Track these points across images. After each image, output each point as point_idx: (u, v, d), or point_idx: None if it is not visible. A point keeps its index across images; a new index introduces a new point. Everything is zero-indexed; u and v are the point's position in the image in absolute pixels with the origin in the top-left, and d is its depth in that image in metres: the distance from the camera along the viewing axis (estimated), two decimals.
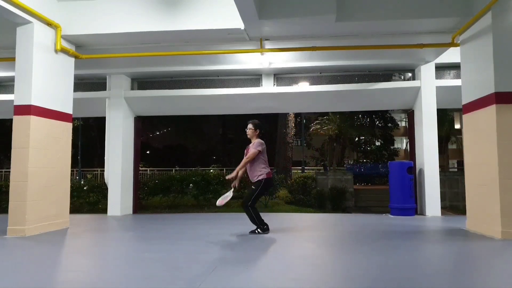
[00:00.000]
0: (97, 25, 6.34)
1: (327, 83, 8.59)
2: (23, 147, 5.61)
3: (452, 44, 6.24)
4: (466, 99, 5.90)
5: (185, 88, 8.77)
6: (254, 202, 5.45)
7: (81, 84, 8.92)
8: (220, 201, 5.56)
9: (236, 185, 5.65)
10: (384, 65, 8.21)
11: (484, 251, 4.48)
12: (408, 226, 6.38)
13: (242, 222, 6.31)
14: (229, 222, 7.18)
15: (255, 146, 5.46)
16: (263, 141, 5.54)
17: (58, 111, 6.24)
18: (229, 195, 5.60)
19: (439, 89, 7.95)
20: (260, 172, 5.43)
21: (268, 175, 5.46)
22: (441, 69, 8.18)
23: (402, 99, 8.71)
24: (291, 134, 19.09)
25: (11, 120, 5.94)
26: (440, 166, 8.14)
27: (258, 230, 5.50)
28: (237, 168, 5.54)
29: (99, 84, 9.06)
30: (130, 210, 8.97)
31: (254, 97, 8.73)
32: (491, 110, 5.20)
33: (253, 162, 5.44)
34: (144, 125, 12.24)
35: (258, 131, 5.60)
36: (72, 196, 8.09)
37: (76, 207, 10.78)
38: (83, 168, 22.24)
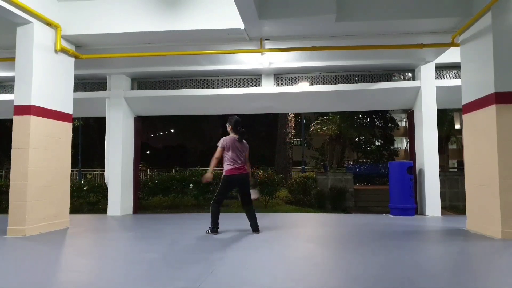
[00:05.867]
0: (97, 25, 6.34)
1: (327, 83, 8.58)
2: (23, 147, 5.60)
3: (452, 44, 6.24)
4: (466, 99, 5.90)
5: (185, 88, 8.77)
6: (217, 198, 5.52)
7: (81, 84, 8.92)
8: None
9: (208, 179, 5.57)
10: (384, 65, 8.21)
11: (484, 251, 4.48)
12: (408, 226, 6.38)
13: (242, 223, 6.30)
14: (229, 222, 7.16)
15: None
16: (227, 138, 5.52)
17: (58, 111, 6.24)
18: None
19: (439, 89, 7.95)
20: (224, 168, 5.51)
21: (227, 172, 5.45)
22: (441, 69, 8.19)
23: (402, 99, 8.71)
24: (291, 134, 19.10)
25: (11, 120, 5.94)
26: (440, 166, 8.14)
27: (209, 230, 5.54)
28: (211, 167, 5.53)
29: (99, 84, 9.06)
30: (130, 210, 8.97)
31: (254, 97, 8.73)
32: (491, 110, 5.20)
33: (224, 158, 5.52)
34: (144, 125, 12.23)
35: (230, 126, 5.61)
36: (72, 196, 8.10)
37: (76, 207, 10.78)
38: (83, 168, 22.23)
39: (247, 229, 5.80)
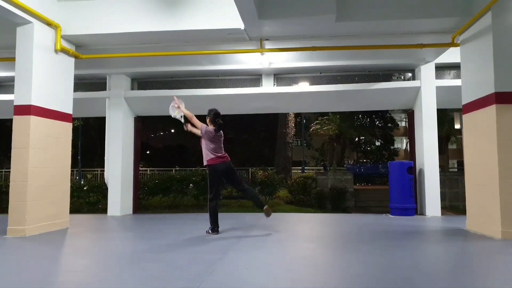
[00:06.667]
0: (97, 25, 6.34)
1: (327, 83, 8.58)
2: (23, 147, 5.60)
3: (452, 44, 6.24)
4: (466, 99, 5.91)
5: (185, 88, 8.77)
6: (211, 195, 5.49)
7: (81, 84, 8.92)
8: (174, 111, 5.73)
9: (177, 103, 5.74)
10: (384, 65, 8.21)
11: (484, 251, 4.48)
12: (408, 226, 6.38)
13: (242, 222, 6.32)
14: (229, 222, 7.16)
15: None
16: (210, 129, 5.51)
17: (58, 111, 6.24)
18: (176, 113, 5.74)
19: (439, 89, 7.94)
20: (205, 157, 5.53)
21: (210, 161, 5.48)
22: (441, 69, 8.18)
23: (402, 99, 8.71)
24: (291, 134, 19.09)
25: (11, 120, 5.94)
26: (440, 166, 8.14)
27: (209, 230, 5.53)
28: (186, 111, 5.69)
29: (99, 84, 9.06)
30: (130, 210, 8.97)
31: (254, 97, 8.73)
32: (491, 110, 5.20)
33: (203, 148, 5.57)
34: (144, 125, 12.23)
35: (209, 118, 5.64)
36: (72, 196, 8.09)
37: (76, 207, 10.77)
38: (83, 168, 22.24)
39: (247, 229, 5.80)
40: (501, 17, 5.14)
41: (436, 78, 8.01)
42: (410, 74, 8.51)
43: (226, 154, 5.61)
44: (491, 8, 5.13)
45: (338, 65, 8.06)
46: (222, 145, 5.63)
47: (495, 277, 3.43)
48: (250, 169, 17.37)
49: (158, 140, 36.95)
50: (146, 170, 20.42)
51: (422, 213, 7.89)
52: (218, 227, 5.56)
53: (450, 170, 26.99)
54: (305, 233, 5.97)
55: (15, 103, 5.72)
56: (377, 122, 26.24)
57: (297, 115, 23.12)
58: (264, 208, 5.54)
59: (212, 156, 5.48)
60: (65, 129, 6.44)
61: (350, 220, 7.95)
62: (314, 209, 13.26)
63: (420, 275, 3.42)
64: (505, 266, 3.79)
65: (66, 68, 6.51)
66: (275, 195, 12.76)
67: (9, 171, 5.92)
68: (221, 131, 5.64)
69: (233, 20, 5.96)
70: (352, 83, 8.49)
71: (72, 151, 6.72)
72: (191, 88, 8.75)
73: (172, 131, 36.13)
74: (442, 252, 4.56)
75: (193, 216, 8.44)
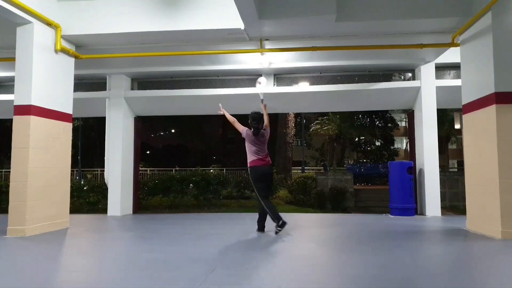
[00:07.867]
0: (97, 25, 6.34)
1: (327, 83, 8.58)
2: (23, 147, 5.60)
3: (452, 44, 6.24)
4: (466, 99, 5.91)
5: (185, 88, 8.76)
6: (259, 195, 5.51)
7: (81, 84, 8.91)
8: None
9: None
10: (384, 65, 8.21)
11: (484, 251, 4.48)
12: (408, 226, 6.38)
13: (242, 222, 6.32)
14: (229, 222, 7.18)
15: None
16: (249, 132, 5.61)
17: (58, 111, 6.24)
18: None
19: (439, 89, 7.94)
20: (248, 159, 5.60)
21: (251, 163, 5.55)
22: (441, 69, 8.18)
23: (402, 99, 8.71)
24: (291, 134, 19.09)
25: (11, 120, 5.94)
26: (440, 166, 8.14)
27: (277, 229, 5.40)
28: (229, 116, 5.84)
29: (99, 84, 9.05)
30: (130, 210, 8.96)
31: (254, 97, 8.68)
32: (491, 110, 5.20)
33: (246, 150, 5.65)
34: (144, 125, 12.23)
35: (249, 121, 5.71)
36: (72, 196, 8.09)
37: (76, 207, 10.78)
38: (83, 168, 22.25)
39: (247, 229, 5.80)
40: (501, 17, 5.14)
41: (436, 78, 8.00)
42: (410, 74, 8.50)
43: (268, 158, 5.62)
44: (491, 8, 5.13)
45: (338, 65, 8.06)
46: (266, 146, 5.66)
47: (495, 277, 3.43)
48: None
49: (158, 140, 36.96)
50: (146, 170, 20.44)
51: (422, 213, 7.89)
52: (282, 219, 5.39)
53: (450, 170, 27.01)
54: (305, 233, 5.97)
55: (15, 103, 5.72)
56: (377, 122, 26.25)
57: (297, 115, 23.13)
58: (258, 231, 5.61)
59: (254, 158, 5.54)
60: (65, 129, 6.44)
61: (350, 220, 7.95)
62: (314, 209, 13.27)
63: (420, 275, 3.42)
64: (505, 266, 3.79)
65: (66, 68, 6.51)
66: (275, 195, 12.75)
67: (9, 171, 5.92)
68: (264, 133, 5.63)
69: (233, 20, 5.96)
70: (352, 83, 8.49)
71: (72, 151, 6.71)
72: (191, 88, 8.74)
73: (173, 131, 36.16)
74: (442, 252, 4.56)
75: (193, 216, 8.45)
